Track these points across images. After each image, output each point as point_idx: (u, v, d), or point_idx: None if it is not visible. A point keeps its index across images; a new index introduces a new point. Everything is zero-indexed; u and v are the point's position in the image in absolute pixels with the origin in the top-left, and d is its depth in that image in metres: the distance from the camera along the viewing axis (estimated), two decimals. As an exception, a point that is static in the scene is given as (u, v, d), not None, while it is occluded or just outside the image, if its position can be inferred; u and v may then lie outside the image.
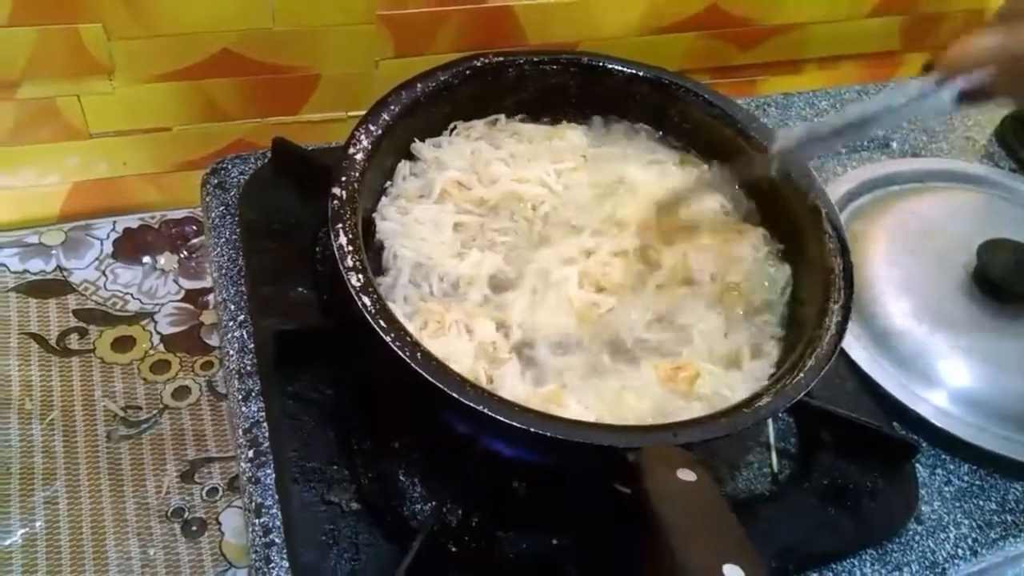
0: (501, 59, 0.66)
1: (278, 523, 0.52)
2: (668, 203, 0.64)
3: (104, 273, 0.90)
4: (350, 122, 0.77)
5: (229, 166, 0.71)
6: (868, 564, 0.58)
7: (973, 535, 0.61)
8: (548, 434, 0.46)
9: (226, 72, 0.85)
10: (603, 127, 0.70)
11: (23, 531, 0.76)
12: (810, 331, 0.55)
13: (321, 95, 0.91)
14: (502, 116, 0.68)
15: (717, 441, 0.52)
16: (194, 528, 0.79)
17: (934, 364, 0.67)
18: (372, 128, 0.59)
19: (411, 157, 0.64)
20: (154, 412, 0.84)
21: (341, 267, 0.50)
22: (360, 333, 0.48)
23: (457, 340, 0.54)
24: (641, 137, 0.70)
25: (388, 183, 0.63)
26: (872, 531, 0.59)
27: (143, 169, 0.91)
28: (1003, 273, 0.69)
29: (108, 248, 0.91)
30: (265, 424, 0.56)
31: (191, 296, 0.91)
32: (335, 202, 0.53)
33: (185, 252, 0.93)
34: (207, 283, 0.91)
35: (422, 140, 0.65)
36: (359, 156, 0.57)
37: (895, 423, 0.65)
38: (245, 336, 0.60)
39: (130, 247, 0.91)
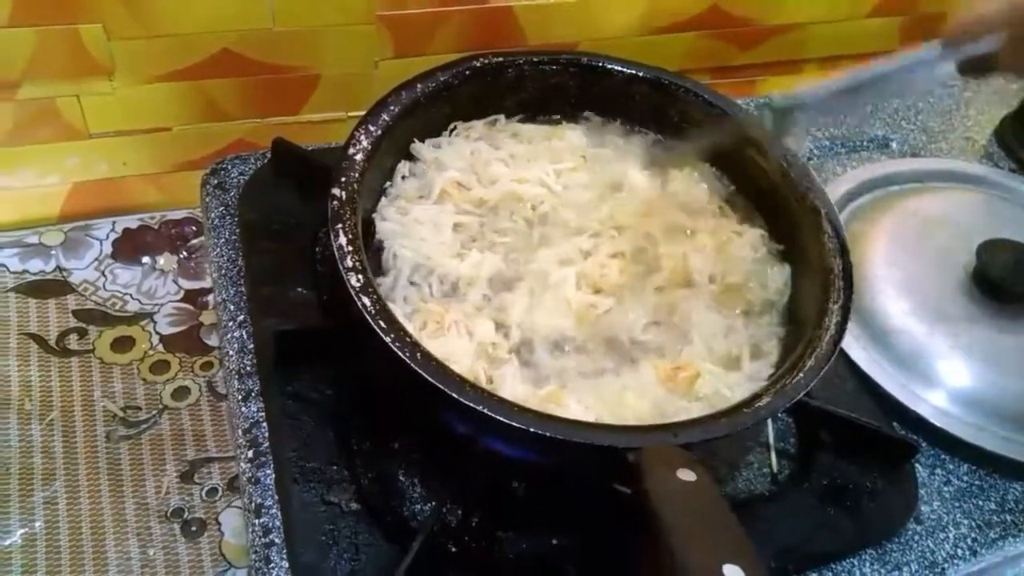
0: (501, 59, 0.66)
1: (278, 523, 0.52)
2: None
3: (104, 273, 0.90)
4: (350, 122, 0.77)
5: (229, 166, 0.71)
6: (868, 564, 0.58)
7: (972, 535, 0.61)
8: (548, 434, 0.46)
9: (226, 72, 0.85)
10: (602, 127, 0.70)
11: (22, 531, 0.76)
12: (810, 331, 0.55)
13: (321, 95, 0.91)
14: (502, 116, 0.68)
15: (717, 441, 0.52)
16: (194, 528, 0.79)
17: (934, 364, 0.67)
18: (372, 128, 0.59)
19: (411, 157, 0.64)
20: (153, 412, 0.84)
21: (341, 267, 0.50)
22: (360, 333, 0.48)
23: (457, 340, 0.54)
24: (640, 137, 0.70)
25: (388, 183, 0.63)
26: (872, 531, 0.59)
27: (143, 169, 0.91)
28: (1002, 273, 0.69)
29: (108, 248, 0.91)
30: (265, 424, 0.56)
31: (190, 296, 0.91)
32: (335, 202, 0.53)
33: (185, 252, 0.93)
34: (207, 283, 0.91)
35: (422, 140, 0.65)
36: (359, 156, 0.57)
37: (894, 423, 0.65)
38: (245, 336, 0.60)
39: (130, 247, 0.91)
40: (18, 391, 0.82)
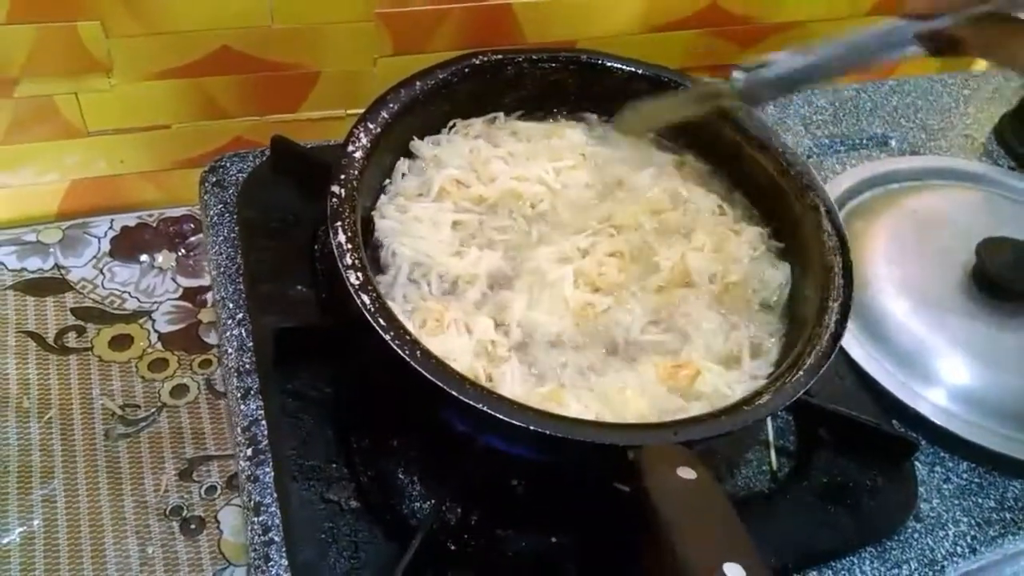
0: (500, 57, 0.66)
1: (277, 521, 0.52)
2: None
3: (102, 271, 0.90)
4: (349, 120, 0.77)
5: (228, 164, 0.71)
6: (867, 562, 0.58)
7: (972, 533, 0.61)
8: (548, 432, 0.46)
9: (225, 70, 0.85)
10: (602, 125, 0.70)
11: (21, 529, 0.75)
12: (809, 329, 0.55)
13: (320, 93, 0.91)
14: (501, 114, 0.68)
15: (716, 439, 0.52)
16: (192, 526, 0.79)
17: (933, 362, 0.67)
18: (371, 126, 0.59)
19: (410, 155, 0.64)
20: (152, 410, 0.84)
21: (340, 265, 0.50)
22: (359, 331, 0.48)
23: (456, 338, 0.54)
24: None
25: (387, 181, 0.62)
26: (871, 529, 0.59)
27: (141, 167, 0.91)
28: (1002, 271, 0.69)
29: (106, 246, 0.91)
30: (264, 422, 0.56)
31: (189, 294, 0.91)
32: (334, 200, 0.53)
33: (183, 250, 0.93)
34: (205, 281, 0.91)
35: (421, 138, 0.65)
36: (358, 154, 0.57)
37: (894, 421, 0.65)
38: (244, 334, 0.60)
39: (128, 245, 0.91)
40: (16, 389, 0.82)
